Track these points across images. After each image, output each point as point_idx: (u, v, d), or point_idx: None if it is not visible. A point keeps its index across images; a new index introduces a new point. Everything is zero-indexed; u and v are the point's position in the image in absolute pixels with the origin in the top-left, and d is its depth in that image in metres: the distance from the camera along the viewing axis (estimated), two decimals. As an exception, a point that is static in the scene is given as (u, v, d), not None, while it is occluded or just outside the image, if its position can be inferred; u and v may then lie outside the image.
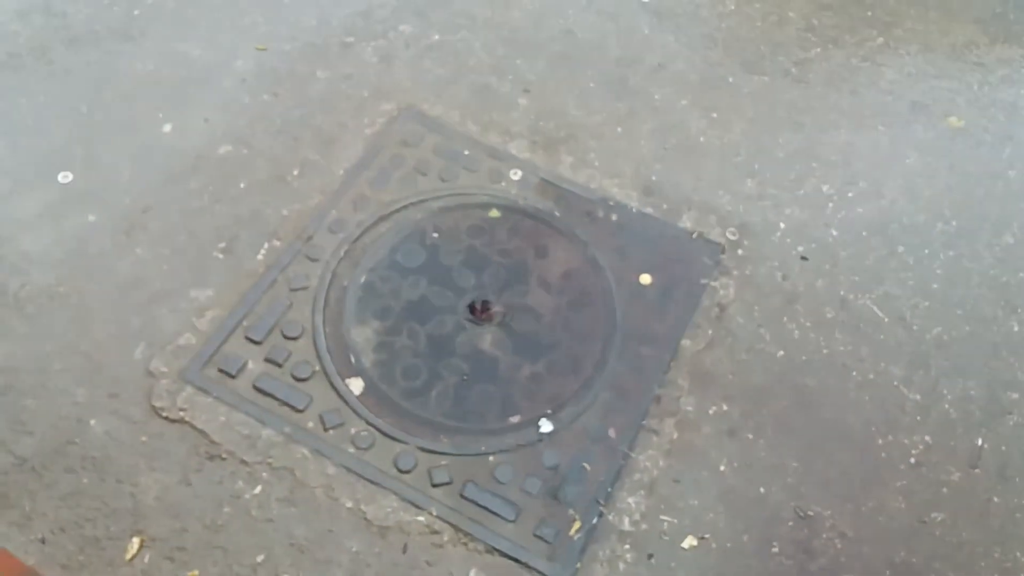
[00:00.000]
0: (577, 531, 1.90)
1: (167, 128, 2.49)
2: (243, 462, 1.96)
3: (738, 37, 2.88)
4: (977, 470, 2.03)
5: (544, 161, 2.52)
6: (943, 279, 2.35)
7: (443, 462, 1.98)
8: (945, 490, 2.00)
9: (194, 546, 1.86)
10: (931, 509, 1.97)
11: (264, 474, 1.95)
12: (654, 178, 2.50)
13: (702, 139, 2.61)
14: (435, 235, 2.33)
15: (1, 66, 2.59)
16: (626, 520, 1.93)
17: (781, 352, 2.19)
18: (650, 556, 1.88)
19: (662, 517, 1.93)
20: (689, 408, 2.09)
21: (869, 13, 2.98)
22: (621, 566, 1.87)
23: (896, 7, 3.00)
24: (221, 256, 2.26)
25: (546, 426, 2.04)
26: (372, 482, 1.95)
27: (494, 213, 2.39)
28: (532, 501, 1.94)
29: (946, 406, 2.12)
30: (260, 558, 1.85)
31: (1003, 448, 2.06)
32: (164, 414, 2.01)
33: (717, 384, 2.13)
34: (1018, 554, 1.92)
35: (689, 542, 1.90)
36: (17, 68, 2.59)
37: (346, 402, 2.05)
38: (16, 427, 1.98)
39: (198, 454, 1.97)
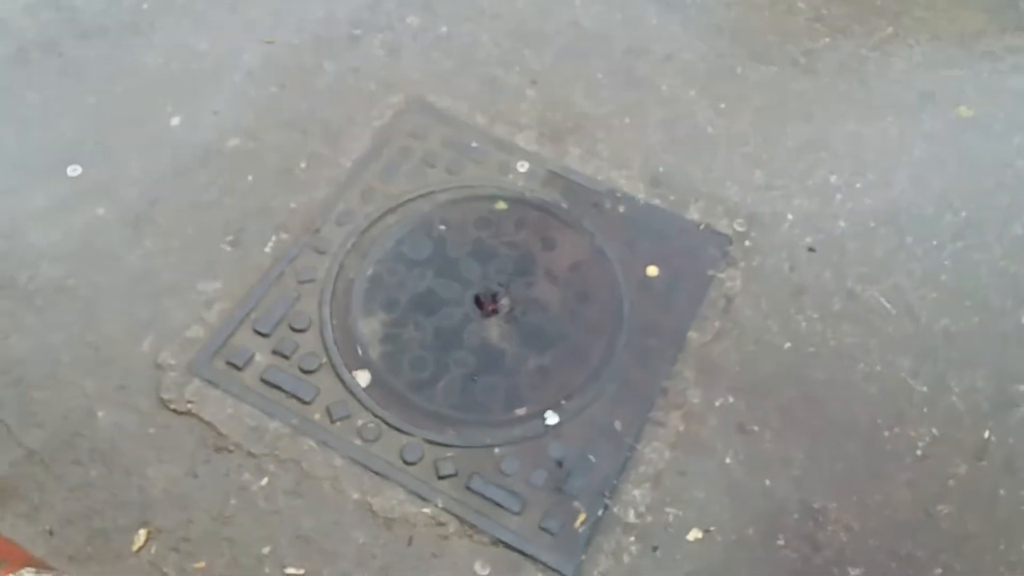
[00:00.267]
0: (582, 523, 1.90)
1: (175, 121, 2.50)
2: (250, 454, 1.97)
3: (746, 27, 2.86)
4: (984, 462, 2.02)
5: (551, 152, 2.51)
6: (952, 270, 2.33)
7: (449, 454, 1.99)
8: (951, 482, 1.99)
9: (201, 537, 1.87)
10: (937, 502, 1.96)
11: (271, 466, 1.96)
12: (661, 169, 2.49)
13: (710, 130, 2.60)
14: (442, 227, 2.34)
15: (10, 60, 2.60)
16: (631, 512, 1.93)
17: (788, 344, 2.19)
18: (655, 548, 1.89)
19: (667, 509, 1.93)
20: (695, 400, 2.09)
21: (878, 2, 2.95)
22: (626, 558, 1.88)
23: (905, -5, 2.97)
24: (229, 249, 2.27)
25: (552, 418, 2.04)
26: (378, 474, 1.96)
27: (501, 205, 2.39)
28: (537, 493, 1.95)
29: (953, 398, 2.11)
30: (266, 550, 1.86)
31: (1010, 441, 2.05)
32: (172, 406, 2.02)
33: (724, 376, 2.13)
34: (1024, 547, 1.92)
35: (694, 534, 1.90)
36: (26, 62, 2.60)
37: (353, 394, 2.06)
38: (26, 419, 2.00)
39: (205, 446, 1.98)
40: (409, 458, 1.98)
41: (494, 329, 2.18)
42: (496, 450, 2.00)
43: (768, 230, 2.38)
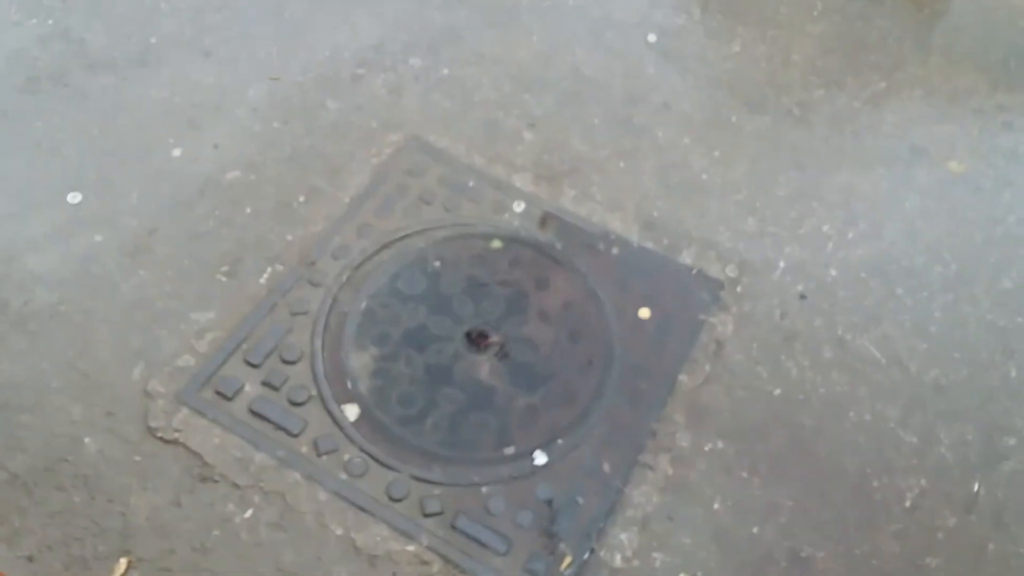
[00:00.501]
0: (568, 566, 1.88)
1: (177, 153, 2.54)
2: (235, 485, 1.96)
3: (743, 78, 2.92)
4: (973, 516, 2.01)
5: (547, 194, 2.54)
6: (941, 322, 2.35)
7: (436, 491, 1.98)
8: (940, 535, 1.98)
9: (181, 568, 1.85)
10: (926, 554, 1.95)
11: (255, 498, 1.95)
12: (655, 214, 2.52)
13: (704, 177, 2.63)
14: (437, 264, 2.35)
15: (20, 90, 2.65)
16: (618, 557, 1.91)
17: (778, 390, 2.19)
18: (640, 593, 1.87)
19: (654, 554, 1.92)
20: (684, 444, 2.08)
21: (872, 57, 3.02)
22: (611, 602, 1.86)
23: (899, 52, 3.04)
24: (224, 279, 2.29)
25: (540, 458, 2.04)
26: (363, 509, 1.94)
27: (496, 243, 2.42)
28: (524, 534, 1.93)
29: (942, 450, 2.11)
30: (247, 582, 1.84)
31: (999, 494, 2.04)
32: (159, 435, 2.01)
33: (713, 421, 2.12)
34: (1012, 601, 1.90)
35: (680, 580, 1.89)
36: (35, 92, 2.64)
37: (341, 428, 2.05)
38: (10, 443, 1.99)
39: (191, 476, 1.97)
40: (395, 495, 1.96)
41: (485, 366, 2.18)
42: (483, 489, 1.99)
43: (760, 276, 2.40)
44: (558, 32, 2.98)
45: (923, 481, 2.05)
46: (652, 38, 3.01)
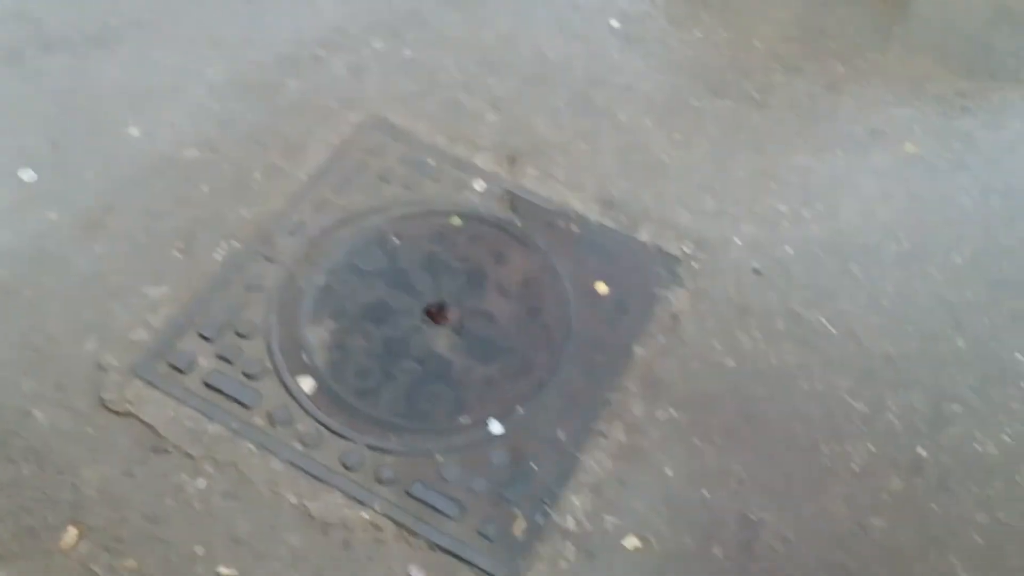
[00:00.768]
0: (521, 530, 1.89)
1: (134, 132, 2.53)
2: (188, 456, 1.95)
3: (704, 63, 2.95)
4: (918, 479, 2.04)
5: (508, 173, 2.56)
6: (894, 296, 2.38)
7: (390, 460, 1.98)
8: (886, 497, 2.00)
9: (133, 537, 1.84)
10: (871, 515, 1.98)
11: (208, 468, 1.94)
12: (615, 193, 2.55)
13: (664, 158, 2.66)
14: (396, 240, 2.36)
15: (-26, 69, 2.63)
16: (570, 520, 1.92)
17: (732, 362, 2.21)
18: (592, 555, 1.88)
19: (606, 517, 1.93)
20: (638, 413, 2.10)
21: (833, 44, 3.06)
22: (563, 564, 1.86)
23: (858, 40, 3.08)
24: (179, 255, 2.28)
25: (496, 427, 2.05)
26: (317, 478, 1.94)
27: (455, 221, 2.43)
28: (478, 500, 1.94)
29: (891, 417, 2.14)
30: (200, 550, 1.83)
31: (944, 459, 2.08)
32: (111, 407, 2.00)
33: (667, 391, 2.14)
34: (953, 559, 1.92)
35: (632, 543, 1.90)
36: (-11, 71, 2.63)
37: (296, 400, 2.05)
38: (-40, 416, 1.97)
39: (143, 447, 1.96)
40: (349, 463, 1.96)
41: (443, 340, 2.19)
42: (438, 457, 1.99)
43: (716, 253, 2.43)
44: (522, 16, 3.00)
45: (871, 446, 2.08)
46: (615, 23, 3.03)
